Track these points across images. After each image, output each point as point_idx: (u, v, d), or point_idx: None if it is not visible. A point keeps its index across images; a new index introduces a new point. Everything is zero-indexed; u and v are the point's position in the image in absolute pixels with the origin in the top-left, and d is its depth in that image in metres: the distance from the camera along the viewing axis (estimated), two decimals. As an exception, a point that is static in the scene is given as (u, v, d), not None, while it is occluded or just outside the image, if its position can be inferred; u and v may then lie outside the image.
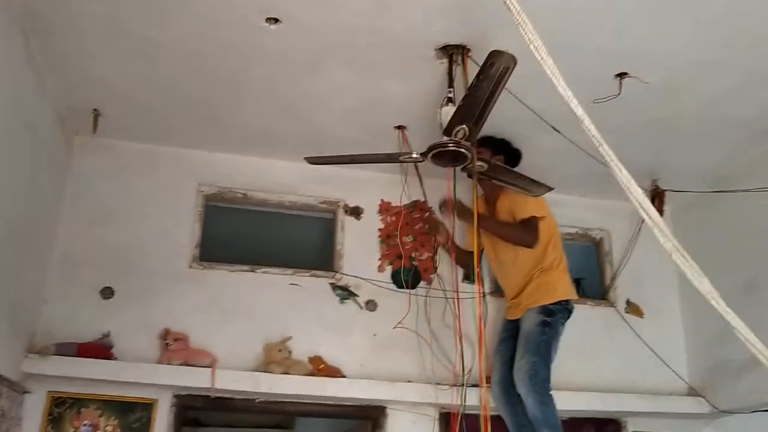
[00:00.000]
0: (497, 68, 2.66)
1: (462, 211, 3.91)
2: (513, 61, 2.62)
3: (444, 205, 4.08)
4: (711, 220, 4.53)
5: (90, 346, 3.74)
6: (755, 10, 2.95)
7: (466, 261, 4.20)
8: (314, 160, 3.63)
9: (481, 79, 2.72)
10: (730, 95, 3.59)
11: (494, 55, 2.63)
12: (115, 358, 3.77)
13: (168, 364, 3.79)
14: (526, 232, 3.76)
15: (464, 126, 2.93)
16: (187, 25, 3.13)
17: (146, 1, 2.97)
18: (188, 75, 3.54)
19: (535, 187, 3.49)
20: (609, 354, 4.49)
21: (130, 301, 3.95)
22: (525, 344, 3.70)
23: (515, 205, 3.83)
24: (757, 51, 3.23)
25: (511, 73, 2.67)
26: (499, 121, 3.77)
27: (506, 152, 3.91)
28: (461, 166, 3.27)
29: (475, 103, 2.84)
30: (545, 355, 3.64)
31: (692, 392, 4.46)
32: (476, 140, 3.61)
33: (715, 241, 4.38)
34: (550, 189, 3.46)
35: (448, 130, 3.00)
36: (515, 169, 3.67)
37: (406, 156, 3.35)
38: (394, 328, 4.14)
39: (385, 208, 4.52)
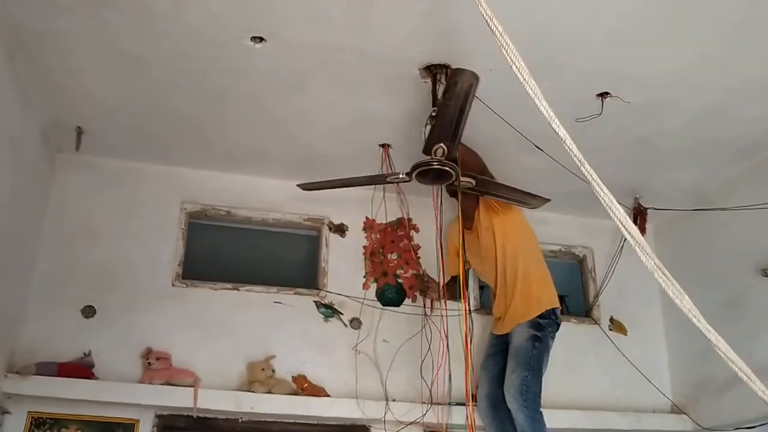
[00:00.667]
0: (461, 86, 2.72)
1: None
2: (475, 77, 2.67)
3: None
4: (693, 238, 4.57)
5: (71, 366, 3.70)
6: (735, 31, 3.00)
7: (454, 290, 4.21)
8: (307, 186, 3.66)
9: (447, 98, 2.79)
10: (711, 114, 3.64)
11: (457, 74, 2.69)
12: (97, 378, 3.73)
13: (150, 383, 3.76)
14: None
15: (441, 144, 2.98)
16: (172, 43, 3.14)
17: (132, 18, 2.98)
18: (173, 92, 3.54)
19: (530, 199, 3.50)
20: (593, 371, 4.50)
21: (112, 320, 3.92)
22: (515, 359, 3.69)
23: (493, 220, 3.85)
24: (736, 71, 3.28)
25: (476, 89, 2.71)
26: (481, 140, 3.81)
27: None
28: (447, 184, 3.30)
29: (448, 122, 2.90)
30: (536, 370, 3.63)
31: (676, 410, 4.47)
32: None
33: (697, 258, 4.42)
34: (546, 200, 3.46)
35: (427, 149, 3.04)
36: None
37: (394, 177, 3.39)
38: (377, 341, 4.17)
39: (369, 226, 4.52)
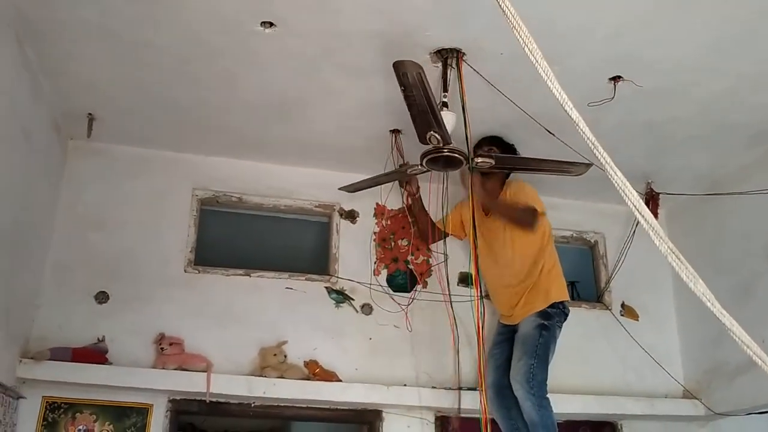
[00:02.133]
0: (412, 76, 2.73)
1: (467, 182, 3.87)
2: (418, 66, 2.71)
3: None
4: (705, 223, 4.55)
5: (85, 351, 3.73)
6: (746, 16, 2.96)
7: (426, 229, 4.16)
8: (347, 188, 3.81)
9: (407, 90, 2.81)
10: (724, 99, 3.60)
11: (400, 66, 2.71)
12: (110, 363, 3.76)
13: (163, 368, 3.78)
14: (528, 214, 3.71)
15: (432, 132, 2.98)
16: (182, 29, 3.13)
17: (141, 5, 2.97)
18: (182, 79, 3.53)
19: (570, 167, 3.40)
20: (604, 357, 4.50)
21: (125, 306, 3.94)
22: (522, 347, 3.69)
23: (517, 201, 3.81)
24: (749, 55, 3.24)
25: (424, 74, 2.73)
26: (492, 125, 3.80)
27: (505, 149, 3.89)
28: (468, 167, 3.31)
29: (422, 111, 2.91)
30: (543, 358, 3.63)
31: (687, 395, 4.47)
32: (481, 141, 3.68)
33: (710, 243, 4.40)
34: (589, 165, 3.31)
35: (422, 140, 3.07)
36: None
37: (414, 169, 3.43)
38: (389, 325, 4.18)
39: (380, 212, 4.52)
